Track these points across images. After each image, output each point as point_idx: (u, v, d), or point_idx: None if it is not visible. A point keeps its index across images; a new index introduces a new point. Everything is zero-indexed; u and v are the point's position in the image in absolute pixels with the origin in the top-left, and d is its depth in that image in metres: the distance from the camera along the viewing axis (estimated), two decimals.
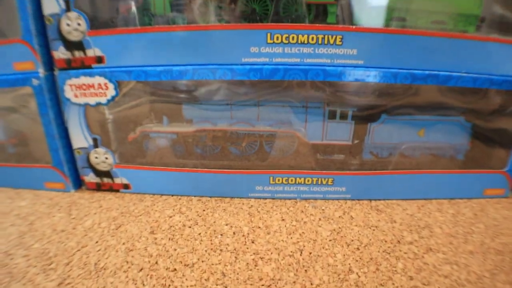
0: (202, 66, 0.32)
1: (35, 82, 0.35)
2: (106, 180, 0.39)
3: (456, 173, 0.37)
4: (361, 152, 0.37)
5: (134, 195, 0.39)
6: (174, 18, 0.33)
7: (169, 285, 0.26)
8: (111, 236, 0.32)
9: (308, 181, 0.36)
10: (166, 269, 0.27)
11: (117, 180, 0.38)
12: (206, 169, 0.37)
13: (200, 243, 0.30)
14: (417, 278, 0.27)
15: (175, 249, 0.30)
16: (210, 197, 0.38)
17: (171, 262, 0.28)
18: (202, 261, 0.28)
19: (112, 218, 0.34)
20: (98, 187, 0.39)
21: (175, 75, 0.32)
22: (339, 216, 0.35)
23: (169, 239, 0.31)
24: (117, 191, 0.39)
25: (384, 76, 0.32)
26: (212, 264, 0.28)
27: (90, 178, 0.39)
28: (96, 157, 0.37)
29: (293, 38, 0.31)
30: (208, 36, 0.31)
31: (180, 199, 0.38)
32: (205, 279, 0.26)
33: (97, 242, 0.31)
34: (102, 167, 0.38)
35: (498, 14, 0.37)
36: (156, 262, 0.28)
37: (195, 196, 0.38)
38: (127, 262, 0.28)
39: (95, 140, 0.37)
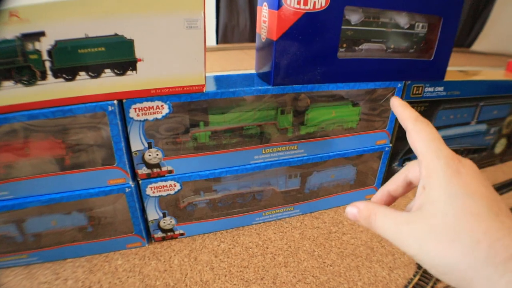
0: (230, 168, 0.64)
1: (127, 190, 0.62)
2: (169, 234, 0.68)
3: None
4: (304, 190, 0.75)
5: (188, 237, 0.69)
6: (211, 144, 0.64)
7: None
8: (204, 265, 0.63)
9: (281, 210, 0.73)
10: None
11: (177, 232, 0.69)
12: (224, 216, 0.70)
13: (256, 257, 0.65)
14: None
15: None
16: (231, 228, 0.71)
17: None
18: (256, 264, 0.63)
19: (193, 252, 0.65)
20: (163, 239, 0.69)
21: (216, 175, 0.64)
22: (299, 225, 0.72)
23: (229, 259, 0.64)
24: (176, 238, 0.69)
25: (314, 159, 0.69)
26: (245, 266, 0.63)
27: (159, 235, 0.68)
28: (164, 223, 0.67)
29: (274, 149, 0.65)
30: (232, 153, 0.64)
31: (216, 233, 0.70)
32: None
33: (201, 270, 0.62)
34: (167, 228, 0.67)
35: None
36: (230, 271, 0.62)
37: (225, 230, 0.71)
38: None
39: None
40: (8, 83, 0.52)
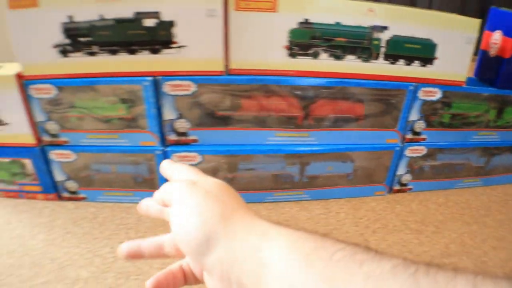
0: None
1: (397, 149, 0.86)
2: None
3: None
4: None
5: (414, 192, 0.94)
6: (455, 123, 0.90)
7: None
8: None
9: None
10: None
11: (408, 187, 0.93)
12: (441, 179, 0.96)
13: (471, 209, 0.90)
14: None
15: None
16: (432, 190, 0.97)
17: None
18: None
19: (423, 202, 0.90)
20: None
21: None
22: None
23: None
24: (405, 191, 0.94)
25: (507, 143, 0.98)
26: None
27: None
28: None
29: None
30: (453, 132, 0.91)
31: (432, 191, 0.95)
32: None
33: None
34: None
35: None
36: None
37: (435, 190, 0.97)
38: None
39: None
40: (351, 57, 0.77)
